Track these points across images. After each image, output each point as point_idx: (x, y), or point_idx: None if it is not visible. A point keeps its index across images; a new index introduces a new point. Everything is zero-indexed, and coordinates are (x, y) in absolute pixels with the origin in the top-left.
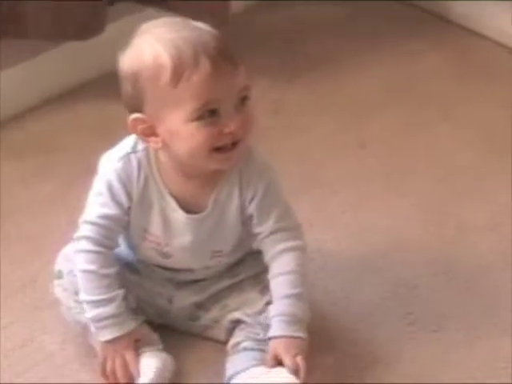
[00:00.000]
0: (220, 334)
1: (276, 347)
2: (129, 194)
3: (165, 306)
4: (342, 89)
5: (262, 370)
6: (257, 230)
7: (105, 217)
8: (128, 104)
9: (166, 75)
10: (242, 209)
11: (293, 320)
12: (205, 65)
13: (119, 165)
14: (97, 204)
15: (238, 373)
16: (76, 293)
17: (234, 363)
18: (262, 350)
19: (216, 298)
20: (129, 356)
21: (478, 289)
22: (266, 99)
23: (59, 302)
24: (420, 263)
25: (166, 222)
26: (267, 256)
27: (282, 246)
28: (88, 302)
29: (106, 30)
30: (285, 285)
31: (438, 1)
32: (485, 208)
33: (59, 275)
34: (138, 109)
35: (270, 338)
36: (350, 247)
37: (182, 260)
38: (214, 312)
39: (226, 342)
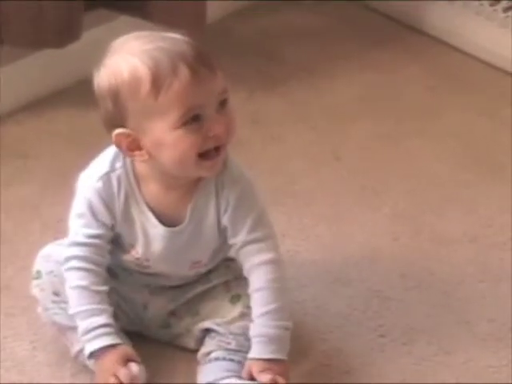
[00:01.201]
0: (190, 342)
1: (251, 369)
2: (111, 213)
3: (139, 312)
4: (319, 99)
5: (234, 381)
6: (231, 241)
7: (91, 236)
8: (109, 121)
9: (146, 87)
10: (218, 219)
11: (268, 341)
12: (184, 72)
13: (99, 184)
14: (80, 225)
15: None
16: (54, 293)
17: (205, 373)
18: (233, 360)
19: (188, 305)
20: (122, 372)
21: (453, 301)
22: (243, 109)
23: (36, 302)
24: (393, 275)
25: (147, 237)
26: (244, 271)
27: (254, 259)
28: (79, 313)
29: (81, 37)
30: (258, 303)
31: (411, 10)
32: (460, 220)
33: (38, 275)
34: (120, 124)
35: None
36: (323, 258)
37: (159, 269)
38: (186, 320)
39: (196, 351)
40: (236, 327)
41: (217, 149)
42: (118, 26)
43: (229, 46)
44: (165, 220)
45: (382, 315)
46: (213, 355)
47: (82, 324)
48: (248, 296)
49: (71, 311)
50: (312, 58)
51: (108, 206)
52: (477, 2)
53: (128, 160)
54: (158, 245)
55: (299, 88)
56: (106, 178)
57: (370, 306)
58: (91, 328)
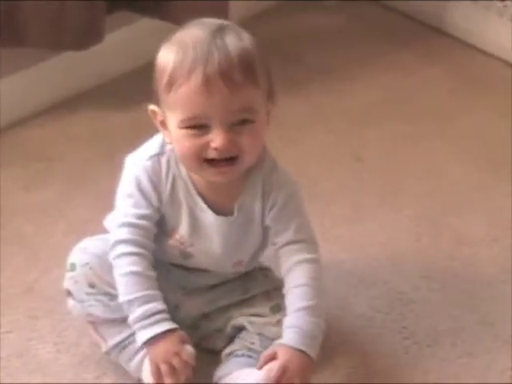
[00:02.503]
0: (218, 343)
1: (277, 352)
2: (159, 194)
3: (170, 311)
4: (339, 101)
5: (244, 371)
6: (274, 239)
7: (140, 216)
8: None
9: (165, 79)
10: (263, 218)
11: (303, 333)
12: (197, 79)
13: (149, 163)
14: (130, 205)
15: (222, 376)
16: (90, 285)
17: (221, 368)
18: (251, 357)
19: (223, 311)
20: (184, 351)
21: (476, 302)
22: None
23: (69, 295)
24: (416, 277)
25: (195, 223)
26: (283, 268)
27: (296, 257)
28: (134, 300)
29: (103, 39)
30: (297, 297)
31: (432, 10)
32: (482, 220)
33: (72, 268)
34: (157, 100)
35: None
36: (345, 260)
37: (203, 263)
38: (218, 322)
39: (220, 352)
40: (268, 331)
41: (228, 159)
42: (140, 28)
43: None
44: (213, 208)
45: (406, 317)
46: (234, 353)
47: (138, 310)
48: None
49: (123, 298)
50: (332, 59)
51: (156, 186)
52: (500, 3)
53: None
54: (205, 231)
55: (319, 90)
56: (156, 158)
57: (393, 308)
58: (149, 314)
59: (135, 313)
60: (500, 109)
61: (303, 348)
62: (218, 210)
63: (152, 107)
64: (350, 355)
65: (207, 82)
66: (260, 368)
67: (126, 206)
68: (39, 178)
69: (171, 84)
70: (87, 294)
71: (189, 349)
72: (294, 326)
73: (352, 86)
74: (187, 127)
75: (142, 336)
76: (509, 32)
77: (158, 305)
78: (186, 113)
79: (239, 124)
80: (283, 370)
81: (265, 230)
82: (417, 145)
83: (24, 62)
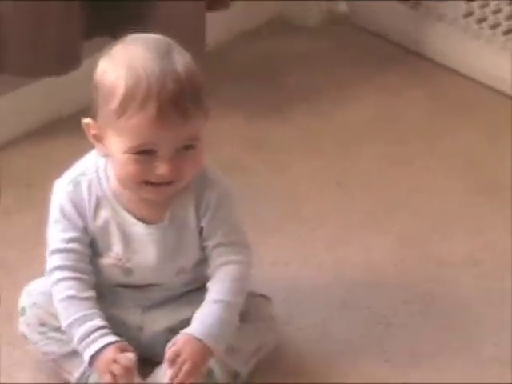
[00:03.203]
0: None
1: (181, 343)
2: (82, 216)
3: (135, 335)
4: (323, 123)
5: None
6: (205, 242)
7: (69, 240)
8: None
9: (114, 103)
10: (198, 223)
11: (206, 325)
12: (150, 111)
13: (69, 188)
14: (58, 231)
15: None
16: (40, 324)
17: None
18: None
19: (187, 323)
20: (122, 358)
21: (457, 326)
22: (245, 135)
23: (26, 340)
24: (397, 300)
25: (127, 237)
26: (210, 269)
27: (223, 258)
28: (72, 323)
29: (82, 65)
30: (215, 290)
31: (413, 37)
32: (466, 244)
33: (22, 312)
34: (94, 113)
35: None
36: (327, 284)
37: (144, 276)
38: None
39: None
40: None
41: (164, 182)
42: None
43: (229, 71)
44: (143, 221)
45: (386, 341)
46: None
47: (78, 331)
48: None
49: (64, 323)
50: (314, 82)
51: (78, 208)
52: (476, 26)
53: (103, 165)
54: (138, 244)
55: (302, 113)
56: (76, 181)
57: (373, 332)
58: (88, 333)
59: (77, 334)
60: (483, 129)
61: (202, 338)
62: (148, 222)
63: (87, 121)
64: (330, 379)
65: (160, 114)
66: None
67: (54, 232)
68: (19, 205)
69: (122, 111)
70: (39, 333)
71: (128, 355)
72: (201, 316)
73: (337, 107)
74: (134, 152)
75: (87, 355)
76: (486, 54)
77: (97, 322)
78: (135, 141)
79: (184, 149)
80: (176, 355)
81: (201, 234)
82: (402, 166)
83: (2, 88)
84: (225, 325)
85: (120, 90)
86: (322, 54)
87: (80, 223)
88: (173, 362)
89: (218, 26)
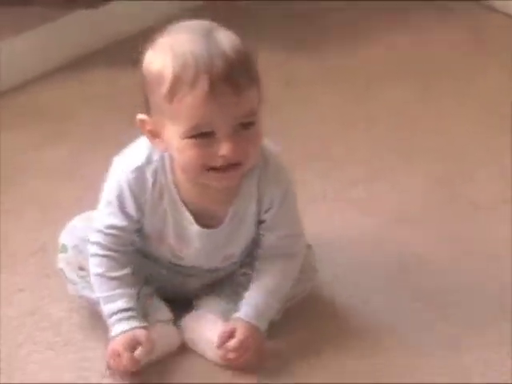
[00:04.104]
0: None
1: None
2: (139, 207)
3: (177, 289)
4: (354, 60)
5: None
6: (264, 231)
7: (112, 227)
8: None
9: (164, 88)
10: (258, 216)
11: (260, 312)
12: (202, 88)
13: (132, 176)
14: (106, 213)
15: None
16: (80, 268)
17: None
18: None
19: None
20: (125, 356)
21: (493, 267)
22: (275, 70)
23: (64, 276)
24: (428, 238)
25: (181, 233)
26: (264, 248)
27: (282, 250)
28: (100, 299)
29: None
30: (272, 280)
31: None
32: (493, 183)
33: (63, 249)
34: (147, 108)
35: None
36: (358, 221)
37: (194, 262)
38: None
39: None
40: None
41: (231, 165)
42: None
43: (259, 9)
44: (201, 219)
45: (418, 278)
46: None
47: (104, 308)
48: None
49: (96, 295)
50: (347, 21)
51: (137, 199)
52: None
53: (167, 154)
54: (192, 242)
55: (332, 50)
56: (141, 170)
57: (406, 269)
58: (112, 313)
59: (103, 310)
60: None
61: (258, 324)
62: (206, 218)
63: (141, 116)
64: (364, 318)
65: (213, 89)
66: (219, 347)
67: (103, 214)
68: (53, 137)
69: (173, 94)
70: (79, 276)
71: (135, 354)
72: (254, 303)
73: (367, 46)
74: (192, 136)
75: (111, 332)
76: None
77: (118, 305)
78: (191, 122)
79: (243, 128)
80: (240, 346)
81: (259, 225)
82: (430, 105)
83: (36, 20)
84: (274, 309)
85: (168, 75)
86: None
87: (134, 213)
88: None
89: None
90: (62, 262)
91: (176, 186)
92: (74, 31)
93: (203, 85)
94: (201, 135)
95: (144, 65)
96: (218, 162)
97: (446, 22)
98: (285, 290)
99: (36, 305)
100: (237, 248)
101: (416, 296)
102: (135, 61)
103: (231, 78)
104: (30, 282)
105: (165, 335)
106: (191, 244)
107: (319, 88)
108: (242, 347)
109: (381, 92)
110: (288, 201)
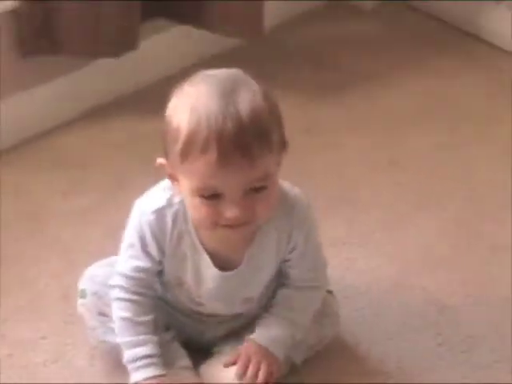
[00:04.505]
0: None
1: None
2: (161, 248)
3: (197, 337)
4: (375, 106)
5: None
6: (290, 270)
7: (136, 269)
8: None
9: (178, 147)
10: (281, 259)
11: (274, 337)
12: (212, 155)
13: (153, 217)
14: (128, 256)
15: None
16: (100, 314)
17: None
18: None
19: (250, 326)
20: None
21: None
22: (298, 117)
23: (84, 322)
24: (451, 283)
25: (199, 276)
26: (289, 278)
27: (307, 283)
28: (124, 343)
29: (139, 46)
30: (286, 306)
31: (471, 16)
32: None
33: (82, 294)
34: (166, 153)
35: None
36: (381, 266)
37: (213, 308)
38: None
39: None
40: None
41: (239, 224)
42: (174, 35)
43: (283, 54)
44: (219, 261)
45: (440, 323)
46: None
47: (127, 353)
48: None
49: (118, 339)
50: (368, 65)
51: (158, 240)
52: None
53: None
54: (210, 285)
55: (356, 95)
56: (161, 212)
57: (427, 314)
58: (135, 358)
59: (126, 355)
60: None
61: (269, 347)
62: (224, 261)
63: (160, 161)
64: (383, 361)
65: (222, 158)
66: (226, 365)
67: (126, 256)
68: (77, 185)
69: (185, 156)
70: (99, 321)
71: None
72: (268, 326)
73: (389, 90)
74: (202, 196)
75: (132, 377)
76: None
77: (145, 350)
78: (199, 184)
79: (254, 191)
80: (247, 360)
81: (280, 264)
82: (454, 149)
83: (61, 69)
84: (289, 339)
85: (183, 135)
86: (376, 36)
87: (156, 255)
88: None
89: (274, 8)
90: (81, 307)
91: (195, 229)
92: (97, 79)
93: (212, 151)
94: (209, 196)
95: (167, 111)
96: (226, 222)
97: (467, 68)
98: (304, 321)
99: (59, 352)
100: (255, 292)
101: (438, 341)
102: (157, 109)
103: (242, 145)
104: (53, 328)
105: (184, 382)
106: (207, 287)
107: (341, 134)
108: (248, 363)
109: (404, 137)
110: (311, 238)
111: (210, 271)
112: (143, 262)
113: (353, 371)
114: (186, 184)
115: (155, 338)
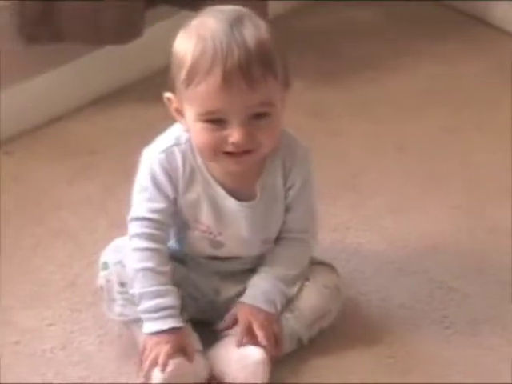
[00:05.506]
0: None
1: (248, 317)
2: (174, 185)
3: (212, 298)
4: (379, 91)
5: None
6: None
7: (154, 211)
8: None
9: (183, 73)
10: (285, 195)
11: (268, 296)
12: (215, 77)
13: (162, 156)
14: (143, 200)
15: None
16: (120, 284)
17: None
18: None
19: None
20: (166, 350)
21: None
22: (305, 101)
23: (102, 294)
24: (456, 266)
25: (218, 211)
26: (283, 232)
27: (295, 234)
28: (143, 294)
29: (143, 34)
30: (279, 265)
31: (477, 1)
32: None
33: (104, 266)
34: (173, 87)
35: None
36: (387, 250)
37: (233, 249)
38: None
39: None
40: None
41: (244, 151)
42: (179, 21)
43: (292, 38)
44: (234, 195)
45: (447, 306)
46: None
47: (148, 303)
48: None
49: (136, 290)
50: (373, 51)
51: (171, 177)
52: None
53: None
54: (234, 221)
55: (360, 81)
56: (170, 150)
57: (434, 297)
58: (157, 308)
59: (145, 304)
60: None
61: (263, 307)
62: (239, 195)
63: (168, 95)
64: (392, 345)
65: (226, 80)
66: (222, 329)
67: (140, 200)
68: (83, 172)
69: (190, 80)
70: (118, 292)
71: (176, 361)
72: (262, 288)
73: (394, 76)
74: (205, 121)
75: (147, 328)
76: None
77: (168, 300)
78: (204, 108)
79: (257, 118)
80: (248, 327)
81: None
82: (458, 135)
83: (65, 57)
84: (282, 295)
85: (187, 61)
86: (380, 25)
87: (170, 193)
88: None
89: None
90: (101, 279)
91: (205, 164)
92: (103, 67)
93: (217, 75)
94: (213, 121)
95: (174, 44)
96: (230, 148)
97: (472, 52)
98: (293, 274)
99: (67, 339)
100: (273, 230)
101: (445, 324)
102: (162, 96)
103: (246, 69)
104: (61, 315)
105: (195, 365)
106: (231, 223)
107: (348, 119)
108: (248, 329)
109: (409, 122)
110: (308, 185)
111: (228, 203)
112: (158, 203)
113: (359, 354)
114: (190, 111)
115: (176, 289)
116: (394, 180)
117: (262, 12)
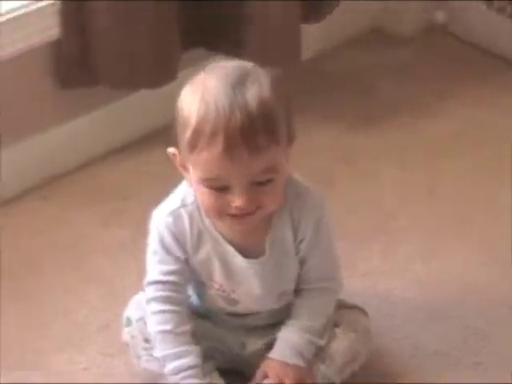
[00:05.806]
0: None
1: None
2: (183, 248)
3: (238, 351)
4: (413, 134)
5: None
6: (301, 266)
7: (166, 273)
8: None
9: (187, 136)
10: (297, 248)
11: (296, 349)
12: (218, 146)
13: (169, 220)
14: (155, 263)
15: None
16: (145, 340)
17: None
18: None
19: None
20: None
21: None
22: (336, 146)
23: (128, 349)
24: (491, 312)
25: (229, 269)
26: (301, 283)
27: (317, 284)
28: (165, 357)
29: (178, 77)
30: (304, 316)
31: (507, 45)
32: None
33: (128, 323)
34: (176, 143)
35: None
36: (419, 295)
37: (249, 305)
38: None
39: None
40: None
41: (245, 213)
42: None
43: (322, 82)
44: (243, 253)
45: (480, 352)
46: None
47: (171, 365)
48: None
49: (157, 354)
50: (407, 95)
51: (178, 240)
52: None
53: None
54: (245, 279)
55: (393, 124)
56: (177, 213)
57: (467, 343)
58: (179, 369)
59: (170, 367)
60: None
61: (292, 361)
62: (249, 252)
63: (171, 150)
64: None
65: (228, 149)
66: None
67: (152, 263)
68: (116, 217)
69: (193, 145)
70: (143, 348)
71: None
72: (289, 341)
73: (427, 119)
74: (208, 186)
75: None
76: None
77: (189, 360)
78: (206, 174)
79: (259, 185)
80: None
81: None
82: (492, 179)
83: (99, 101)
84: (311, 346)
85: (191, 124)
86: (418, 65)
87: (180, 255)
88: None
89: (313, 37)
90: (126, 335)
91: (213, 224)
92: (136, 111)
93: (219, 142)
94: (216, 186)
95: (180, 98)
96: (233, 211)
97: (503, 96)
98: (318, 324)
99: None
100: (288, 283)
101: (479, 372)
102: None
103: (249, 137)
104: (94, 360)
105: None
106: (242, 281)
107: (379, 163)
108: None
109: (441, 166)
110: (321, 234)
111: (237, 260)
112: (169, 265)
113: None
114: (195, 174)
115: (197, 348)
116: (426, 225)
117: (296, 52)
